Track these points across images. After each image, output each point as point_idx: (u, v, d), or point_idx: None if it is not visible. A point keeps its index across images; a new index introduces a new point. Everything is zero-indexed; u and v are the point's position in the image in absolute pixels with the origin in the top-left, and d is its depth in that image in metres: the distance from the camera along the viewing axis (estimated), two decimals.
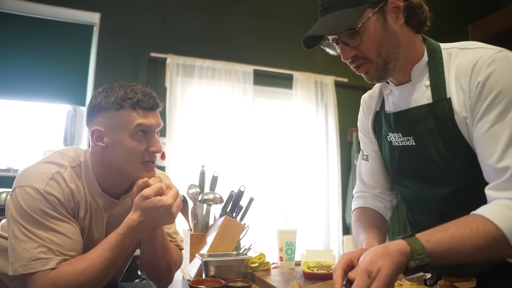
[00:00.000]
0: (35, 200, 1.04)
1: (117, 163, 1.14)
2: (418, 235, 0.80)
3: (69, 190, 1.11)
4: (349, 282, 0.77)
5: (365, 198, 1.29)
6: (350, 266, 0.83)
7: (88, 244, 1.14)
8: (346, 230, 3.85)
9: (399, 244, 0.77)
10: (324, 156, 3.93)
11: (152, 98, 1.16)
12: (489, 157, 0.87)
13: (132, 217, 1.08)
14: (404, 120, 1.06)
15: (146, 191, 1.08)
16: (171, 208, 1.08)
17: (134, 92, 1.13)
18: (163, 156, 3.30)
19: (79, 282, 1.01)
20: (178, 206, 1.10)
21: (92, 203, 1.17)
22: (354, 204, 1.32)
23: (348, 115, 3.98)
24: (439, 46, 1.03)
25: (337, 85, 4.06)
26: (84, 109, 3.32)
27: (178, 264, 1.33)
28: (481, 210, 0.84)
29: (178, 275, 1.43)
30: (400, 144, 1.09)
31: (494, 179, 0.87)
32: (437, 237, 0.79)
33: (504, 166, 0.84)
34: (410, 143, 1.05)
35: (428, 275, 1.12)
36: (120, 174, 1.17)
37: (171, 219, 1.10)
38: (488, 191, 0.88)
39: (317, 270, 1.36)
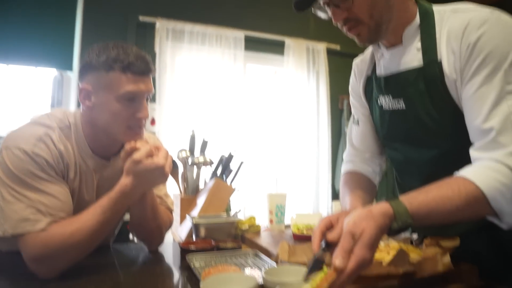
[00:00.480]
0: (22, 161, 1.03)
1: (101, 124, 1.13)
2: (401, 197, 0.81)
3: (57, 151, 1.09)
4: (327, 245, 0.78)
5: (355, 162, 1.30)
6: (329, 227, 0.85)
7: (78, 206, 1.14)
8: (335, 195, 3.91)
9: (382, 207, 0.78)
10: (315, 123, 3.93)
11: (145, 63, 1.12)
12: (475, 118, 0.88)
13: (125, 181, 1.08)
14: (395, 83, 1.05)
15: (137, 155, 1.07)
16: (165, 168, 1.09)
17: (126, 54, 1.09)
18: (153, 122, 3.28)
19: (70, 243, 1.02)
20: (169, 165, 1.12)
21: (82, 165, 1.16)
22: (343, 168, 1.33)
23: (340, 83, 3.96)
24: (432, 8, 1.01)
25: (329, 52, 4.02)
26: (71, 74, 3.25)
27: (168, 226, 1.36)
28: (463, 172, 0.85)
29: (169, 238, 1.45)
30: (391, 108, 1.08)
31: (478, 140, 0.88)
32: (419, 199, 0.81)
33: (488, 127, 0.85)
34: (400, 106, 1.05)
35: (415, 236, 1.15)
36: (107, 135, 1.16)
37: (164, 179, 1.13)
38: (472, 152, 0.89)
39: (306, 232, 1.38)
